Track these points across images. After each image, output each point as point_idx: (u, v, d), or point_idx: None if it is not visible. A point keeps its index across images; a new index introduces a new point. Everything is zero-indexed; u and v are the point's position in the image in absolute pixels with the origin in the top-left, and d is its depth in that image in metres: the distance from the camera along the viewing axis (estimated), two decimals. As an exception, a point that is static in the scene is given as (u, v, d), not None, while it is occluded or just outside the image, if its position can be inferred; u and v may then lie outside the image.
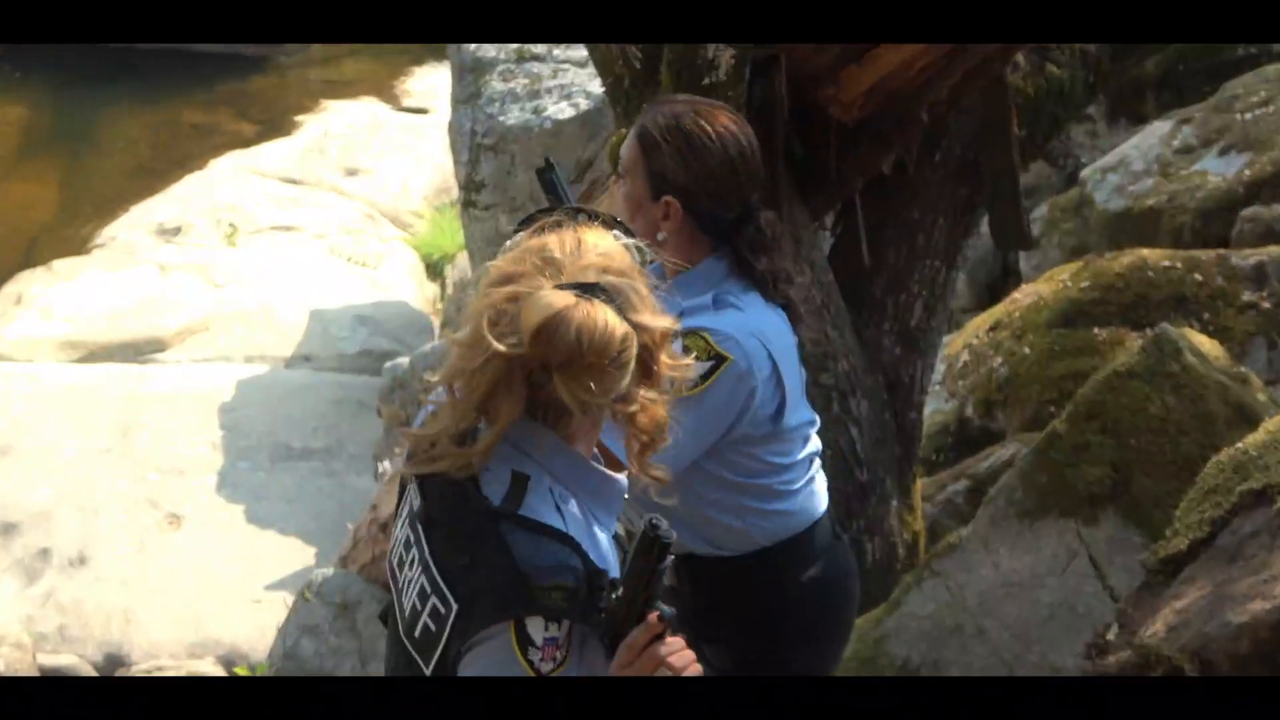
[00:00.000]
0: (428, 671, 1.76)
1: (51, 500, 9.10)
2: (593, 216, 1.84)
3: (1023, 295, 6.47)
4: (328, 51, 15.59)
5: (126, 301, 11.13)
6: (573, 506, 1.78)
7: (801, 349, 2.81)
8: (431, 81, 14.19)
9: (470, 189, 9.54)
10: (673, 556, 1.78)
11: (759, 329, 2.54)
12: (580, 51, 8.93)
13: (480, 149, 9.31)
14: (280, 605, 7.30)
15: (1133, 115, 8.67)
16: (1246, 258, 6.14)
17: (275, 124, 14.16)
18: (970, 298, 7.56)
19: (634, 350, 1.69)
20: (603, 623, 1.69)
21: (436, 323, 11.36)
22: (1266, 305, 5.93)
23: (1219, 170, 7.30)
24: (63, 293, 11.24)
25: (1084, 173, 8.05)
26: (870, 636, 3.95)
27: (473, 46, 9.89)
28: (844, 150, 4.24)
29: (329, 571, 6.95)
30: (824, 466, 3.11)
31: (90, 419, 9.75)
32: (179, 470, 9.36)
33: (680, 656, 1.77)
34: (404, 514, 1.92)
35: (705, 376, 2.40)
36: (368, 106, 14.29)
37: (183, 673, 7.86)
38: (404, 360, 9.18)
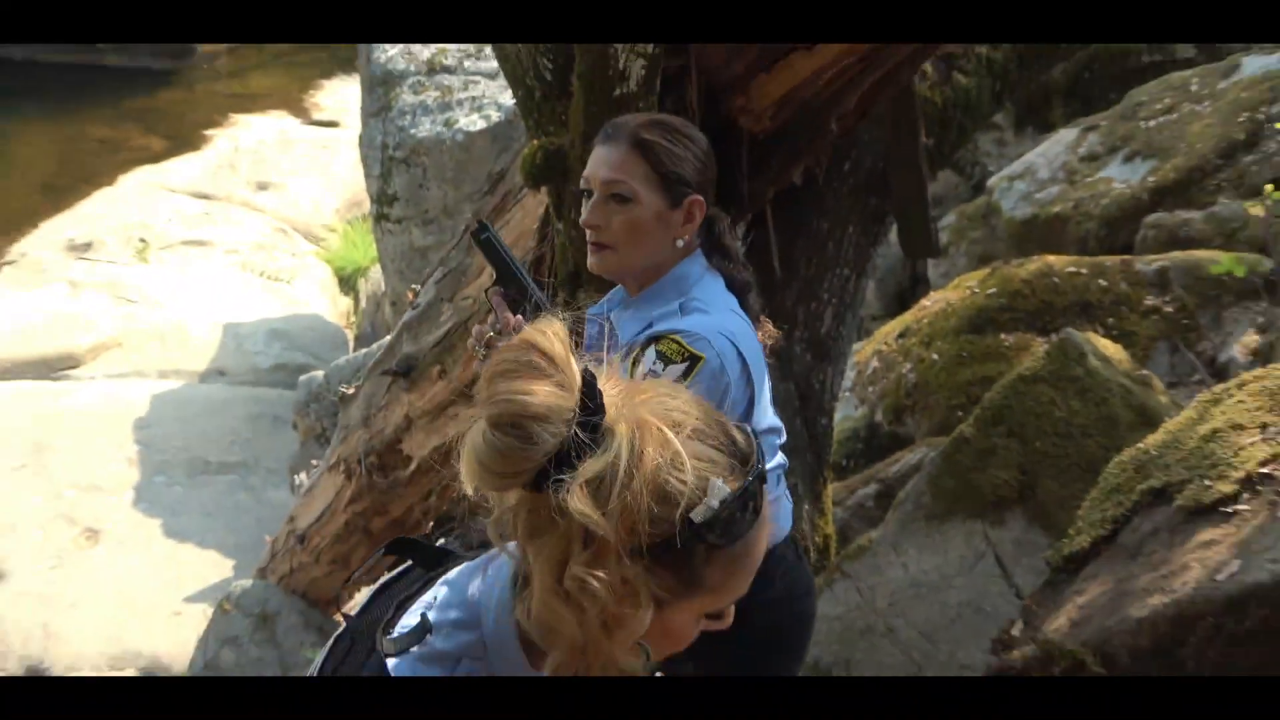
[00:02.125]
0: None
1: None
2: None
3: (931, 303, 6.51)
4: (235, 64, 15.97)
5: (37, 318, 11.01)
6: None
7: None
8: (341, 95, 14.29)
9: (382, 202, 9.50)
10: None
11: (728, 329, 2.48)
12: (491, 64, 8.86)
13: (392, 162, 9.22)
14: (200, 617, 7.22)
15: (1039, 123, 8.69)
16: (1150, 264, 6.22)
17: (184, 139, 14.21)
18: (879, 305, 7.56)
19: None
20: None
21: (350, 336, 11.36)
22: (1169, 310, 5.94)
23: (1124, 177, 7.30)
24: None
25: (991, 181, 8.11)
26: (784, 635, 4.21)
27: (382, 59, 9.77)
28: (755, 161, 4.18)
29: (247, 583, 6.88)
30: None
31: (2, 436, 9.67)
32: (95, 486, 9.25)
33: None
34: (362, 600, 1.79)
35: (682, 377, 2.35)
36: (277, 121, 14.32)
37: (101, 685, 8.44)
38: (319, 374, 9.14)
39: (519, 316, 2.45)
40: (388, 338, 6.40)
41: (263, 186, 13.12)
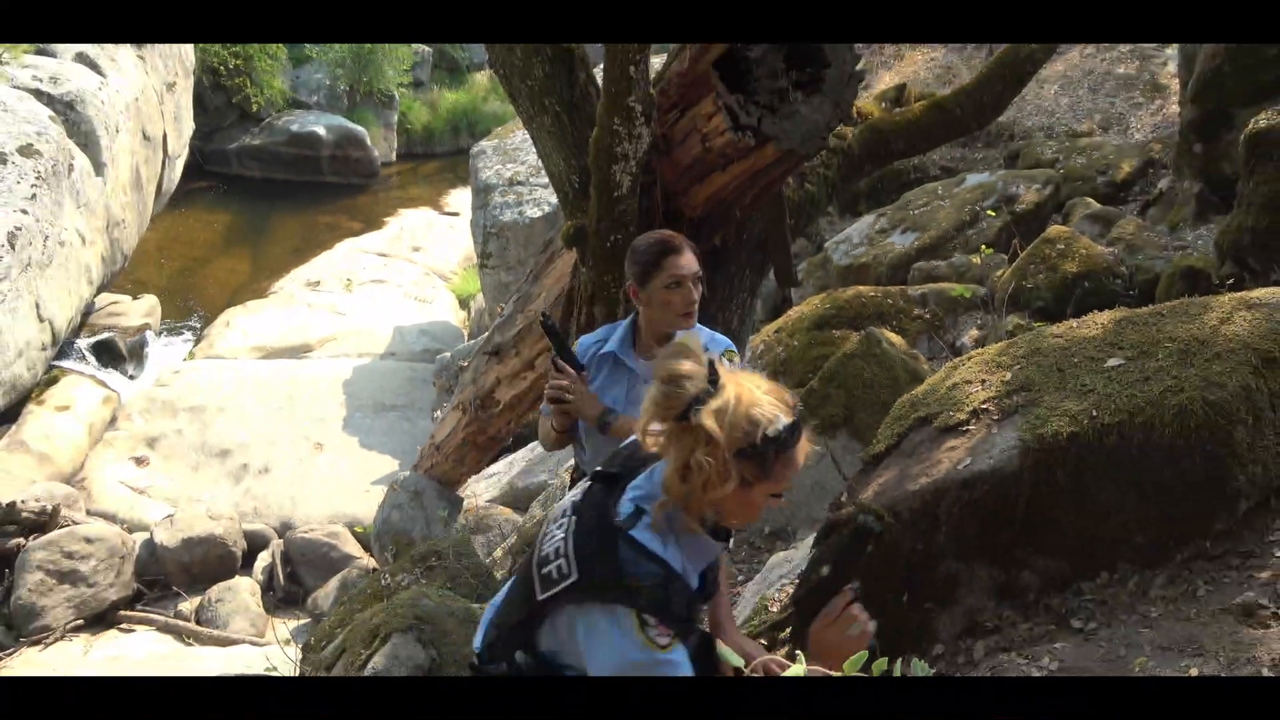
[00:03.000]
0: (539, 595, 2.00)
1: (248, 436, 10.84)
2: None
3: (793, 312, 7.53)
4: (402, 181, 18.68)
5: (289, 325, 13.18)
6: (673, 544, 1.95)
7: None
8: (461, 197, 16.44)
9: (483, 258, 11.51)
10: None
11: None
12: (544, 179, 9.90)
13: (489, 235, 11.32)
14: (380, 493, 8.39)
15: (854, 211, 10.34)
16: (916, 291, 7.19)
17: (373, 222, 16.65)
18: (764, 314, 8.63)
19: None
20: (811, 591, 1.88)
21: (466, 333, 13.14)
22: (927, 317, 6.99)
23: (901, 242, 8.76)
24: (252, 320, 13.24)
25: (827, 244, 9.38)
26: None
27: (483, 176, 11.47)
28: (691, 234, 4.67)
29: (407, 474, 8.01)
30: None
31: (269, 391, 11.63)
32: (321, 419, 11.22)
33: (866, 617, 1.99)
34: (570, 497, 2.12)
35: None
36: (425, 212, 17.13)
37: (325, 533, 9.24)
38: (447, 354, 11.03)
39: (572, 371, 2.86)
40: (486, 334, 7.21)
41: (417, 249, 15.88)
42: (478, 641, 2.19)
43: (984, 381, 3.24)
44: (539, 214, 11.09)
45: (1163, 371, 2.87)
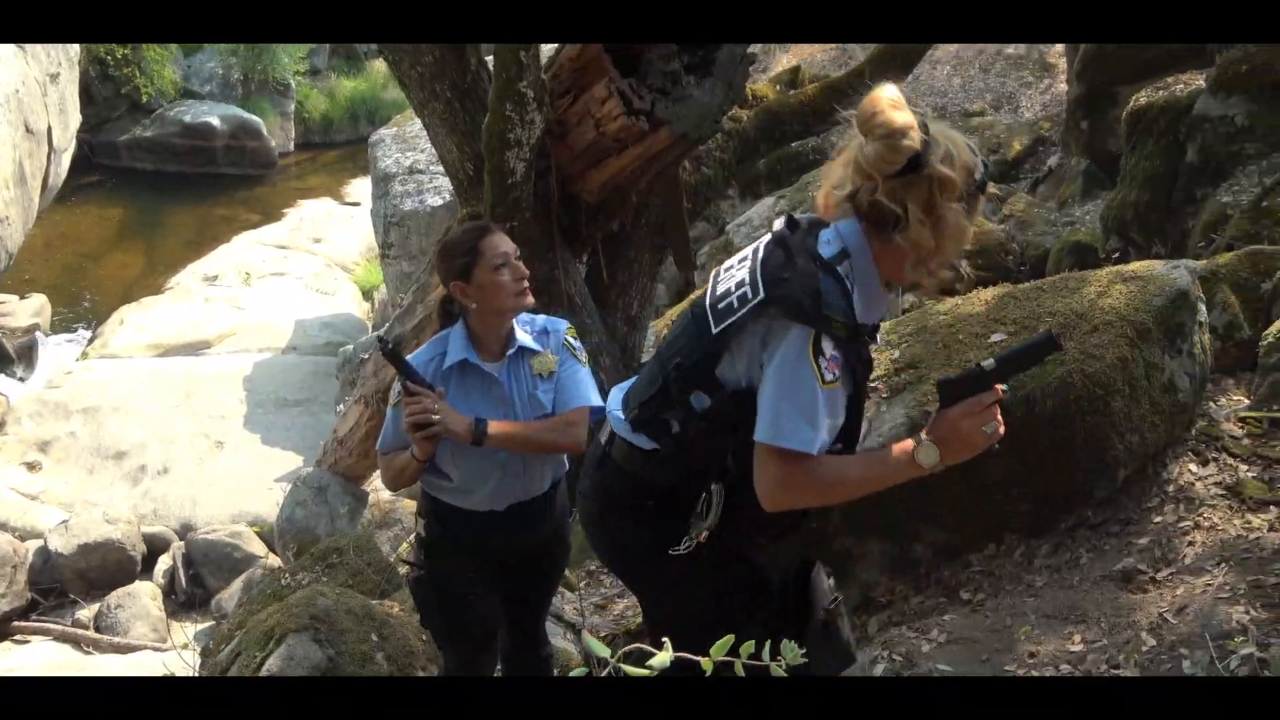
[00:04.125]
0: (714, 329, 2.02)
1: (146, 437, 10.64)
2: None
3: (694, 294, 6.48)
4: (300, 171, 18.63)
5: (186, 321, 12.96)
6: (857, 296, 1.99)
7: None
8: (362, 186, 16.19)
9: (385, 248, 11.52)
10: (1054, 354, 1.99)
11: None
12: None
13: (390, 224, 11.32)
14: (283, 491, 8.33)
15: (754, 194, 10.51)
16: None
17: (271, 214, 16.60)
18: (668, 297, 8.87)
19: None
20: (966, 376, 1.97)
21: (370, 324, 13.17)
22: None
23: None
24: (148, 317, 13.00)
25: (728, 227, 9.58)
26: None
27: (383, 165, 11.50)
28: (589, 219, 4.92)
29: (310, 470, 7.94)
30: None
31: (166, 389, 11.46)
32: (221, 416, 11.09)
33: (1002, 423, 1.99)
34: (757, 244, 2.11)
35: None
36: (324, 203, 17.04)
37: (227, 534, 9.09)
38: (349, 347, 10.93)
39: (429, 391, 2.70)
40: (386, 325, 7.13)
41: (317, 240, 15.65)
42: (617, 425, 2.21)
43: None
44: (440, 202, 11.07)
45: (1044, 345, 2.78)
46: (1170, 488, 2.59)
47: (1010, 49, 11.86)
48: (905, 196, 1.97)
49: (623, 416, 2.18)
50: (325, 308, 13.79)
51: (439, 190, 11.16)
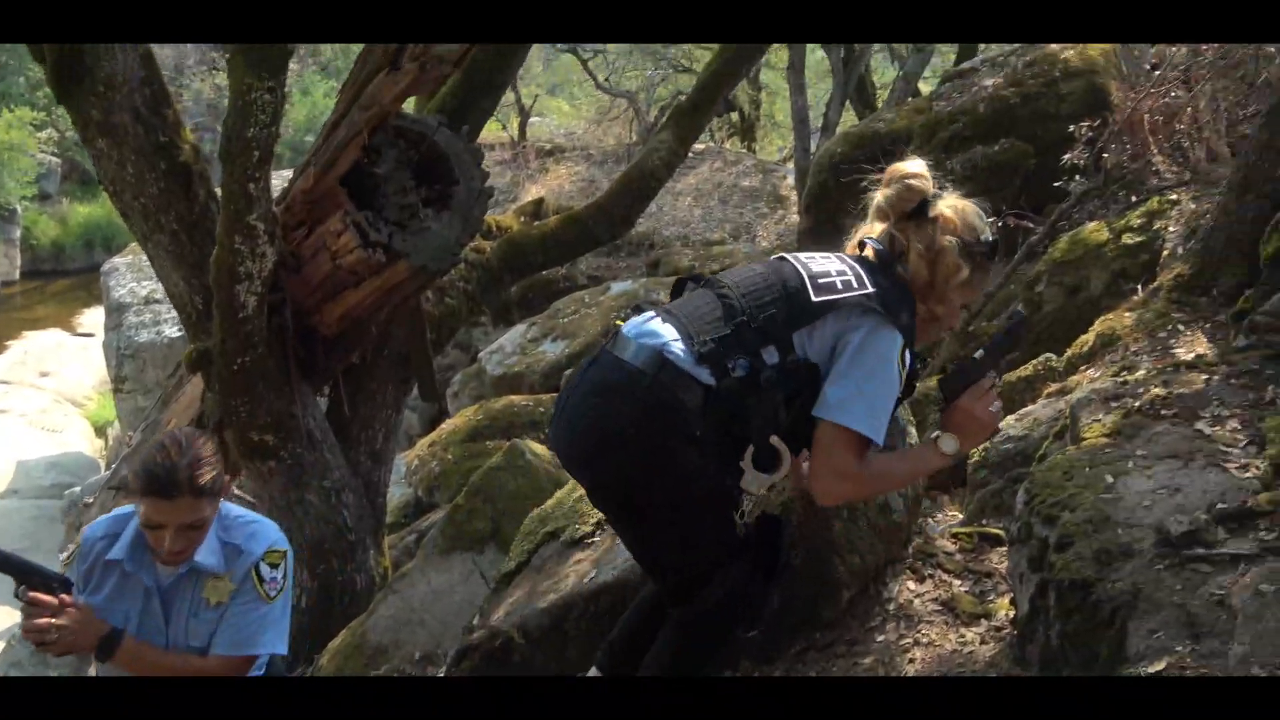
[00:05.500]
0: (817, 298, 2.19)
1: None
2: None
3: (447, 425, 7.56)
4: (27, 300, 17.40)
5: None
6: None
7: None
8: (96, 316, 15.33)
9: (118, 381, 11.03)
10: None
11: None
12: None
13: (124, 357, 10.85)
14: None
15: (507, 320, 10.45)
16: None
17: None
18: (420, 427, 8.66)
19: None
20: (963, 369, 2.18)
21: (102, 463, 12.48)
22: None
23: (552, 350, 8.98)
24: None
25: (481, 354, 9.45)
26: (358, 630, 4.30)
27: (116, 295, 11.10)
28: (328, 352, 4.81)
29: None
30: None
31: None
32: None
33: (999, 408, 2.22)
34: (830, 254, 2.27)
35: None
36: (53, 334, 16.16)
37: None
38: (77, 489, 10.29)
39: (51, 596, 2.33)
40: (114, 466, 6.90)
41: (45, 374, 14.81)
42: (680, 351, 2.19)
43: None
44: (178, 333, 10.61)
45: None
46: (891, 606, 2.72)
47: (746, 181, 12.58)
48: (912, 233, 2.24)
49: (684, 346, 2.15)
50: (53, 446, 13.13)
51: (176, 321, 10.30)
